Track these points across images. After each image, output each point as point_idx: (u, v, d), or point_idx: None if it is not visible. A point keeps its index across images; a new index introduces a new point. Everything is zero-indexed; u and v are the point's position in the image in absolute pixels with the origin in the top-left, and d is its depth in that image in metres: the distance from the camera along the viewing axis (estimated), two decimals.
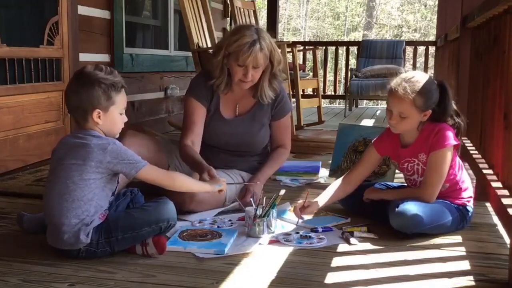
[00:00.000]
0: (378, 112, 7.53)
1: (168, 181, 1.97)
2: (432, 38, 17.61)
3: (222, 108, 2.61)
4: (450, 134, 2.13)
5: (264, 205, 2.17)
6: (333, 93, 8.60)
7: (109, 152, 1.82)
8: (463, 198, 2.20)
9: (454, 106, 2.20)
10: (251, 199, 2.22)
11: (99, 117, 1.85)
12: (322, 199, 2.32)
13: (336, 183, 2.36)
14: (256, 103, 2.63)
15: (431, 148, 2.14)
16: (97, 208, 1.85)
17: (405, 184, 2.39)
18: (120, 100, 1.90)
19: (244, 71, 2.44)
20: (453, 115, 2.19)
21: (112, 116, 1.89)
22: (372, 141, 2.37)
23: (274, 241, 2.06)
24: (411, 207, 2.06)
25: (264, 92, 2.55)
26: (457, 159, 2.22)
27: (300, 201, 2.28)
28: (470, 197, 2.23)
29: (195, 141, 2.51)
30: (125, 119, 1.95)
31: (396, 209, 2.07)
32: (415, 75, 2.16)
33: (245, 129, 2.61)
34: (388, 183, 2.53)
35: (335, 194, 2.33)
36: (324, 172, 3.25)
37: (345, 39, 20.14)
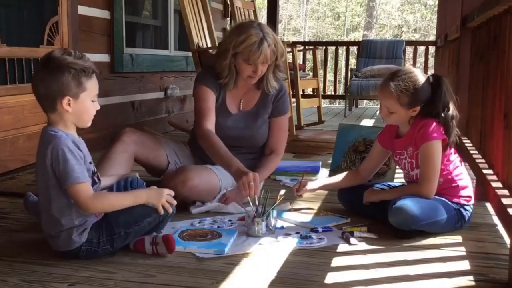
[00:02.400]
0: (378, 112, 7.52)
1: (88, 206, 1.76)
2: (432, 38, 17.60)
3: (228, 102, 2.65)
4: (435, 129, 2.15)
5: (262, 204, 2.17)
6: (333, 93, 8.60)
7: (50, 150, 1.72)
8: (461, 196, 2.20)
9: (450, 102, 2.19)
10: (250, 199, 2.21)
11: (69, 104, 1.74)
12: (324, 180, 2.45)
13: (345, 172, 2.47)
14: (260, 99, 2.67)
15: (418, 143, 2.17)
16: (78, 211, 1.79)
17: (406, 184, 2.39)
18: (92, 86, 1.79)
19: (254, 68, 2.50)
20: (451, 127, 2.17)
21: (83, 104, 1.77)
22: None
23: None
24: (407, 203, 2.07)
25: (269, 83, 2.63)
26: (452, 156, 2.23)
27: (296, 184, 2.42)
28: (469, 196, 2.23)
29: (213, 127, 2.53)
30: (98, 106, 1.83)
31: (393, 206, 2.09)
32: (405, 72, 2.19)
33: (247, 124, 2.65)
34: (389, 183, 2.53)
35: (339, 180, 2.44)
36: (324, 172, 3.25)
37: (345, 39, 20.14)
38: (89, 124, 1.84)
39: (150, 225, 1.89)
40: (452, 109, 2.18)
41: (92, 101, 1.81)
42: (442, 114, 2.17)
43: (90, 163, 1.84)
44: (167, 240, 1.87)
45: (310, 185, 2.44)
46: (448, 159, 2.20)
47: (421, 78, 2.18)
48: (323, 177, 2.59)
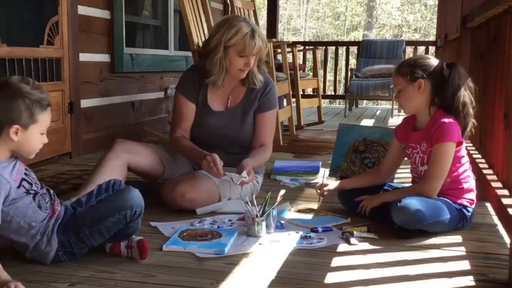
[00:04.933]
0: (378, 112, 7.53)
1: None
2: (432, 38, 17.59)
3: (211, 101, 2.65)
4: (454, 130, 2.15)
5: (262, 204, 2.17)
6: (333, 93, 8.60)
7: None
8: (464, 198, 2.20)
9: (461, 88, 2.18)
10: (248, 199, 2.20)
11: (16, 133, 1.69)
12: (343, 181, 2.53)
13: (366, 171, 2.54)
14: (245, 95, 2.67)
15: (433, 141, 2.17)
16: (31, 221, 1.75)
17: (407, 185, 2.40)
18: (44, 119, 1.74)
19: (246, 61, 2.52)
20: (463, 115, 2.18)
21: (31, 135, 1.72)
22: None
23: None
24: (413, 202, 2.08)
25: (254, 76, 2.63)
26: (464, 159, 2.23)
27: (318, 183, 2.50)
28: (472, 199, 2.23)
29: (185, 135, 2.63)
30: (45, 140, 1.77)
31: (398, 204, 2.09)
32: (415, 55, 2.26)
33: (234, 121, 2.64)
34: (390, 183, 2.53)
35: (361, 179, 2.50)
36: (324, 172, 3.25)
37: (345, 39, 20.14)
38: (31, 157, 1.79)
39: (116, 224, 1.83)
40: (463, 95, 2.18)
41: (41, 134, 1.77)
42: (464, 118, 2.18)
43: (37, 184, 1.79)
44: (142, 245, 1.84)
45: (331, 185, 2.47)
46: (460, 161, 2.20)
47: (427, 56, 2.26)
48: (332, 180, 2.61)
